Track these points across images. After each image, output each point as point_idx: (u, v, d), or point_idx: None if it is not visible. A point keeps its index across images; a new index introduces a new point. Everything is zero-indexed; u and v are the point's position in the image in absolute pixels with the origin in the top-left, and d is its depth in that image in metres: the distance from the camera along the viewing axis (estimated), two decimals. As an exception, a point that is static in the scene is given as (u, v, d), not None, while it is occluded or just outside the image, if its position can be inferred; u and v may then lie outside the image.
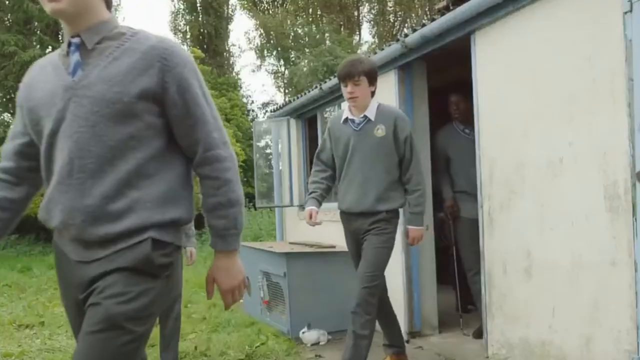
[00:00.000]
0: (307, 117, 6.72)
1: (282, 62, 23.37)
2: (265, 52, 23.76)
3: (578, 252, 2.91)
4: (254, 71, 33.27)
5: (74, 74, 1.45)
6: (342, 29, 23.70)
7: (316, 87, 5.84)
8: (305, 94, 6.22)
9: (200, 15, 23.43)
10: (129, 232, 1.43)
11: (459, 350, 3.93)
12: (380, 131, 3.22)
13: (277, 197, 7.11)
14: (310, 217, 3.32)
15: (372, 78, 3.23)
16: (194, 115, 1.49)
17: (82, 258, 1.46)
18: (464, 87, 3.97)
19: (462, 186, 4.24)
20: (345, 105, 3.40)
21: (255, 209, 10.64)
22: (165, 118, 1.49)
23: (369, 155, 3.24)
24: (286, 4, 25.17)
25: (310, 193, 3.44)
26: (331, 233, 5.61)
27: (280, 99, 22.12)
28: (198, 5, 23.53)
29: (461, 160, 4.21)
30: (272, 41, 23.23)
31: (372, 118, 3.25)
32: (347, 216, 3.40)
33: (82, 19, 1.48)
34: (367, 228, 3.26)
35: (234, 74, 23.15)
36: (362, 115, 3.26)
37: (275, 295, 4.79)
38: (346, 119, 3.33)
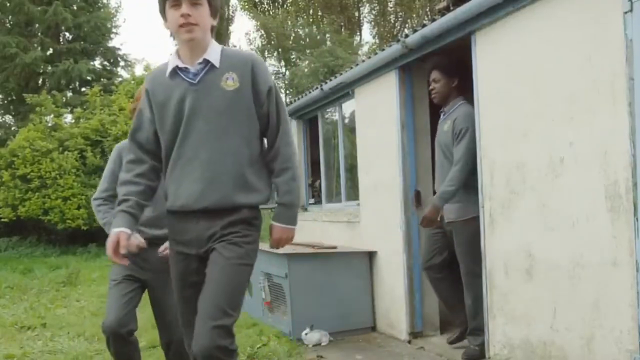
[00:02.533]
0: (308, 118, 6.73)
1: (282, 63, 23.37)
2: (266, 53, 23.76)
3: (579, 252, 2.90)
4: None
5: None
6: (342, 29, 23.71)
7: (317, 88, 5.85)
8: (306, 94, 6.22)
9: (201, 17, 23.42)
10: None
11: (461, 351, 3.92)
12: (230, 81, 2.13)
13: (278, 197, 7.10)
14: (117, 245, 2.09)
15: (215, 4, 2.16)
16: None
17: None
18: (448, 64, 3.84)
19: (436, 185, 4.03)
20: (173, 57, 2.21)
21: (257, 209, 10.63)
22: None
23: (215, 119, 2.13)
24: (287, 5, 25.18)
25: (120, 203, 2.20)
26: (333, 234, 5.62)
27: (281, 99, 22.07)
28: (199, 6, 23.51)
29: (436, 155, 4.02)
30: (272, 42, 23.24)
31: (217, 64, 2.14)
32: (181, 220, 2.19)
33: None
34: (216, 235, 2.14)
35: (234, 74, 23.11)
36: (200, 60, 2.13)
37: (277, 297, 4.79)
38: (175, 70, 2.16)
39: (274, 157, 2.21)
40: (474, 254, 3.65)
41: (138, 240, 2.53)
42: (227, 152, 2.13)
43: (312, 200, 6.74)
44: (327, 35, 21.73)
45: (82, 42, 17.65)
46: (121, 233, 2.11)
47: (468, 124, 3.66)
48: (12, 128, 18.16)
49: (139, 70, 19.44)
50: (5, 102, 19.02)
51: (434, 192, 4.33)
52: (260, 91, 2.16)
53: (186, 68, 2.15)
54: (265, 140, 2.26)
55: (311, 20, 24.31)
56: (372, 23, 25.09)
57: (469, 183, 3.66)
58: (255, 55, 2.28)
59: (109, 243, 2.11)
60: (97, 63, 18.58)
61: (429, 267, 4.02)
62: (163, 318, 2.99)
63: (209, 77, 2.13)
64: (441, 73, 3.82)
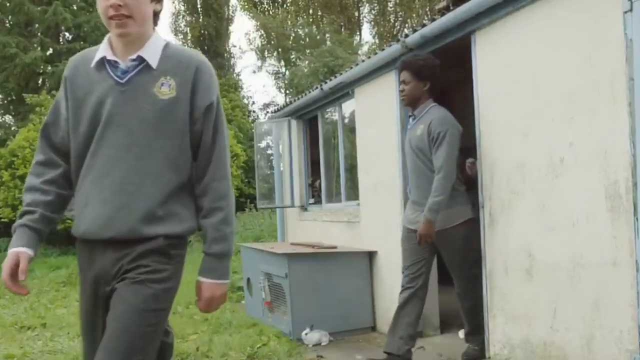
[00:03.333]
0: (307, 117, 6.73)
1: (282, 63, 23.37)
2: (266, 53, 23.76)
3: (579, 252, 2.91)
4: (254, 72, 33.24)
5: None
6: (342, 29, 23.70)
7: (317, 87, 5.85)
8: (306, 94, 6.22)
9: (201, 17, 23.45)
10: None
11: (461, 350, 3.92)
12: (165, 88, 1.73)
13: (278, 197, 7.12)
14: (16, 269, 1.65)
15: None
16: None
17: None
18: (421, 66, 3.56)
19: (410, 193, 3.78)
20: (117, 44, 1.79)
21: (257, 209, 10.65)
22: None
23: (139, 131, 1.71)
24: (286, 5, 25.18)
25: (22, 215, 1.75)
26: (333, 233, 5.62)
27: (281, 99, 22.13)
28: (199, 6, 23.56)
29: (408, 161, 3.75)
30: (272, 42, 23.24)
31: (154, 64, 1.74)
32: (86, 249, 1.77)
33: None
34: (121, 271, 1.69)
35: (234, 75, 23.16)
36: (133, 57, 1.73)
37: (277, 296, 4.79)
38: (102, 61, 1.75)
39: (203, 193, 1.77)
40: (471, 257, 3.62)
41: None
42: (147, 173, 1.69)
43: (312, 200, 6.75)
44: (327, 35, 21.73)
45: (82, 42, 17.63)
46: (21, 254, 1.66)
47: (445, 127, 3.45)
48: (12, 128, 18.17)
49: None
50: (5, 102, 19.02)
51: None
52: (197, 105, 1.74)
53: (116, 62, 1.73)
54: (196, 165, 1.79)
55: (311, 20, 24.31)
56: (372, 23, 25.09)
57: (452, 187, 3.50)
58: (202, 59, 1.80)
59: (5, 267, 1.65)
60: (97, 63, 18.57)
61: (421, 286, 3.68)
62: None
63: (140, 78, 1.72)
64: (412, 75, 3.56)
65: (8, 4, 17.03)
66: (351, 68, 5.14)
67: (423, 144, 3.53)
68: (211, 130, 1.77)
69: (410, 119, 3.71)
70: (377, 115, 4.82)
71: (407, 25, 23.31)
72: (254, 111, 22.15)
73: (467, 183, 3.89)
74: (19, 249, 1.67)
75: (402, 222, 3.87)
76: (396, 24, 24.67)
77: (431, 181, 3.46)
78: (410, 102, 3.63)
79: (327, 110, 6.24)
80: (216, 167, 1.77)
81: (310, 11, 24.89)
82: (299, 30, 23.61)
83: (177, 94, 1.72)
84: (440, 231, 3.50)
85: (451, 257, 3.67)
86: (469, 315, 3.75)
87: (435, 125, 3.46)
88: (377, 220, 4.83)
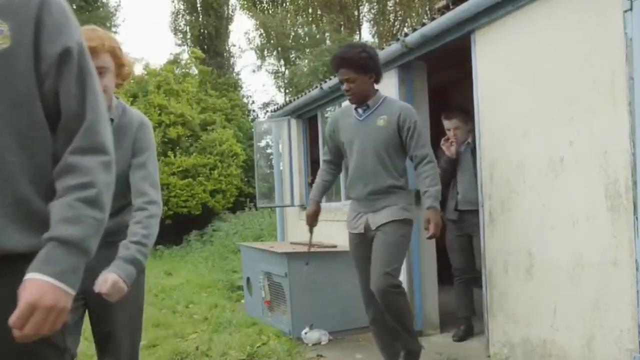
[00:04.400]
0: (307, 117, 6.72)
1: (282, 62, 23.36)
2: (266, 52, 23.74)
3: (579, 252, 2.91)
4: (254, 71, 33.20)
5: None
6: (342, 28, 23.69)
7: (316, 87, 5.85)
8: (305, 93, 6.22)
9: (201, 16, 23.43)
10: None
11: (461, 349, 3.93)
12: None
13: (277, 197, 7.11)
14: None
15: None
16: None
17: None
18: (361, 58, 3.18)
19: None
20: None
21: (257, 209, 10.65)
22: None
23: None
24: (286, 4, 25.17)
25: None
26: (333, 233, 5.61)
27: (280, 99, 22.10)
28: (198, 5, 23.54)
29: (363, 158, 3.32)
30: (272, 41, 23.23)
31: None
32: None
33: None
34: None
35: (234, 74, 23.14)
36: None
37: (277, 296, 4.79)
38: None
39: (63, 171, 1.18)
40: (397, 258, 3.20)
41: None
42: None
43: (311, 200, 6.74)
44: (327, 34, 21.72)
45: (81, 42, 17.64)
46: None
47: (416, 116, 3.24)
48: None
49: (138, 70, 19.40)
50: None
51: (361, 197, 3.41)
52: (44, 54, 1.20)
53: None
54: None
55: (310, 19, 24.31)
56: (372, 22, 25.07)
57: (403, 185, 3.25)
58: None
59: None
60: (96, 62, 18.58)
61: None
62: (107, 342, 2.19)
63: None
64: (356, 70, 3.17)
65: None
66: (351, 67, 5.13)
67: (387, 136, 3.19)
68: (74, 89, 1.21)
69: (359, 111, 3.28)
70: (376, 115, 4.82)
71: (406, 24, 23.29)
72: (253, 110, 22.13)
73: (449, 165, 4.09)
74: None
75: (349, 229, 3.39)
76: (396, 23, 24.66)
77: (390, 174, 3.20)
78: (361, 100, 3.25)
79: (327, 109, 6.24)
80: (83, 138, 1.20)
81: (310, 10, 24.88)
82: (298, 29, 23.60)
83: (13, 43, 1.18)
84: (382, 225, 3.17)
85: (383, 247, 3.19)
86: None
87: (407, 115, 3.19)
88: (377, 219, 4.82)
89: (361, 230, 3.27)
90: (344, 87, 3.25)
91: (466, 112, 4.19)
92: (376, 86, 3.30)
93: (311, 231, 3.61)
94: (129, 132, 2.06)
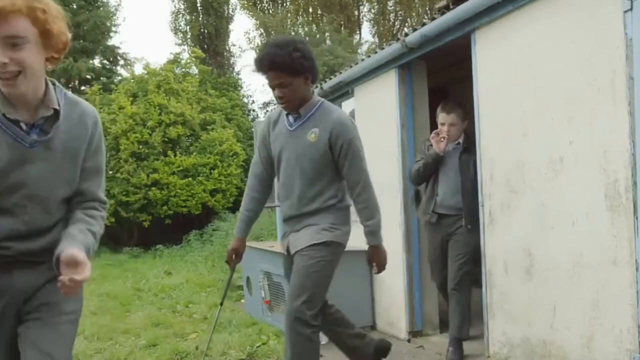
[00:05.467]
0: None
1: (282, 61, 23.32)
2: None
3: (579, 251, 2.91)
4: (254, 71, 33.18)
5: None
6: (342, 28, 23.69)
7: (316, 86, 5.84)
8: (305, 93, 6.21)
9: (201, 15, 23.43)
10: None
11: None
12: None
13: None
14: None
15: None
16: None
17: None
18: (293, 59, 2.68)
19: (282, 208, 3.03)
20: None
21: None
22: None
23: None
24: (286, 4, 25.17)
25: None
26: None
27: (280, 98, 22.06)
28: (198, 5, 23.53)
29: (289, 172, 2.91)
30: (272, 41, 23.22)
31: None
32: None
33: None
34: None
35: (234, 73, 23.14)
36: None
37: (277, 295, 4.79)
38: None
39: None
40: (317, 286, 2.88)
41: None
42: None
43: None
44: (327, 34, 21.71)
45: (81, 41, 17.61)
46: None
47: (351, 133, 2.80)
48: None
49: (138, 69, 19.39)
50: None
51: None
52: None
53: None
54: None
55: (311, 19, 24.31)
56: (372, 22, 25.08)
57: (336, 203, 2.86)
58: None
59: None
60: (96, 62, 18.56)
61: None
62: None
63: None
64: (289, 74, 2.70)
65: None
66: (351, 67, 5.13)
67: (317, 153, 2.78)
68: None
69: (289, 118, 2.87)
70: (376, 115, 4.82)
71: (407, 24, 23.31)
72: (253, 110, 22.13)
73: (434, 161, 3.77)
74: None
75: (285, 248, 3.03)
76: (396, 23, 24.67)
77: (320, 194, 2.82)
78: (297, 107, 2.81)
79: (327, 109, 6.23)
80: None
81: (310, 10, 24.89)
82: (298, 29, 23.59)
83: None
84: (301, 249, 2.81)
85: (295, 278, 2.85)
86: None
87: (341, 132, 2.77)
88: (377, 219, 4.82)
89: (285, 252, 2.99)
90: (276, 93, 2.76)
91: (464, 110, 3.97)
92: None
93: (232, 271, 3.16)
94: (81, 130, 1.69)
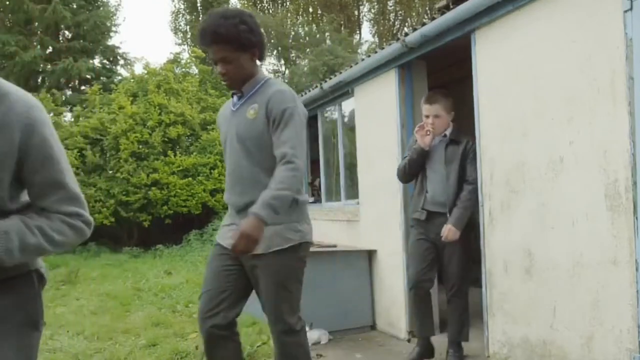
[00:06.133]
0: (307, 116, 6.71)
1: (282, 61, 23.38)
2: (266, 51, 23.76)
3: (579, 251, 2.91)
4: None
5: None
6: (342, 28, 23.71)
7: (316, 86, 5.85)
8: (305, 93, 6.22)
9: (201, 15, 23.45)
10: None
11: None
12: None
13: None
14: None
15: None
16: None
17: None
18: (238, 32, 2.39)
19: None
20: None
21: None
22: None
23: None
24: (286, 4, 25.18)
25: None
26: (332, 233, 5.62)
27: (280, 98, 22.08)
28: (198, 4, 23.56)
29: (232, 155, 2.57)
30: (272, 41, 23.24)
31: None
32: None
33: None
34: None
35: (234, 73, 23.14)
36: None
37: (276, 295, 4.79)
38: None
39: None
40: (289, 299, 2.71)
41: None
42: None
43: (311, 199, 6.74)
44: (327, 33, 21.74)
45: (81, 41, 17.64)
46: None
47: (288, 103, 2.46)
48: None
49: (138, 69, 19.40)
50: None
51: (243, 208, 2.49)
52: None
53: None
54: None
55: (311, 18, 24.32)
56: (372, 22, 25.10)
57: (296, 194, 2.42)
58: None
59: None
60: (96, 61, 18.59)
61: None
62: None
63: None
64: (235, 48, 2.41)
65: (8, 2, 17.02)
66: (351, 67, 5.14)
67: (257, 130, 2.45)
68: None
69: (234, 98, 2.61)
70: (376, 114, 4.82)
71: (407, 24, 23.32)
72: (253, 110, 22.13)
73: (419, 156, 3.62)
74: None
75: (218, 238, 2.67)
76: (396, 22, 24.68)
77: (258, 181, 2.42)
78: (240, 85, 2.54)
79: (327, 109, 6.24)
80: None
81: (310, 10, 24.90)
82: (298, 28, 23.61)
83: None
84: (260, 256, 2.44)
85: (265, 293, 2.62)
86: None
87: (276, 101, 2.44)
88: (377, 219, 4.83)
89: (225, 242, 2.55)
90: (218, 69, 2.47)
91: (450, 100, 3.71)
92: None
93: None
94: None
